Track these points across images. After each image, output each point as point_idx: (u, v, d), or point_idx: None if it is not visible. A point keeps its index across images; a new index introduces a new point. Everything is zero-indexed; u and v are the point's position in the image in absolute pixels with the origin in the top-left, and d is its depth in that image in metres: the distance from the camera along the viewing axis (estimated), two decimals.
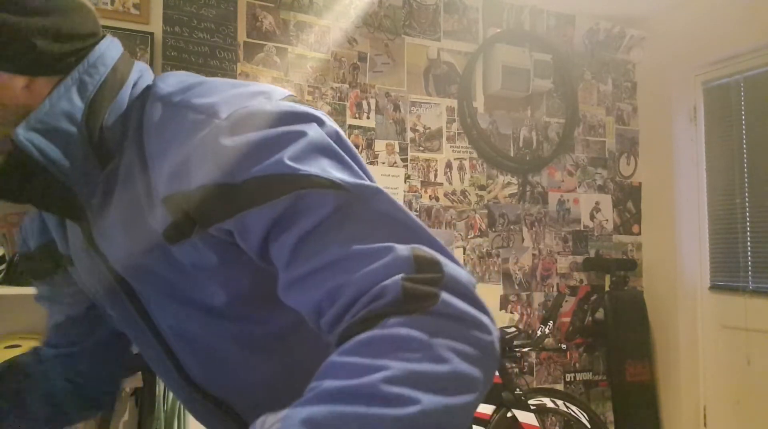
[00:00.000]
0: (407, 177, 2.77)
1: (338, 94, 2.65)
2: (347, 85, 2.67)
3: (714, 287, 2.97)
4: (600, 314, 3.11)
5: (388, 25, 2.78)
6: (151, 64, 2.30)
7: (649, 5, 3.06)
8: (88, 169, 0.61)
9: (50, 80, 0.59)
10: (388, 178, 2.72)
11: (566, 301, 3.07)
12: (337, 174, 0.53)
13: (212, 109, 0.56)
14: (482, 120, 2.94)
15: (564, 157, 3.14)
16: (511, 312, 2.95)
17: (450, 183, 2.87)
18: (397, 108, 2.77)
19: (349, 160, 0.56)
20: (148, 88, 0.64)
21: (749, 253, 2.81)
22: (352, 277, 0.49)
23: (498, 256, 2.93)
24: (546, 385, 2.93)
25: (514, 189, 3.01)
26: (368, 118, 2.71)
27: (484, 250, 2.91)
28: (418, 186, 2.79)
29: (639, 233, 3.29)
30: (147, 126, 0.60)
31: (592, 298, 3.13)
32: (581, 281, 3.13)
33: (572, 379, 3.05)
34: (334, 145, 0.56)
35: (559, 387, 2.99)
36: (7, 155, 0.58)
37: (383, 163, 2.72)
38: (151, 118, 0.60)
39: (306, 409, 0.41)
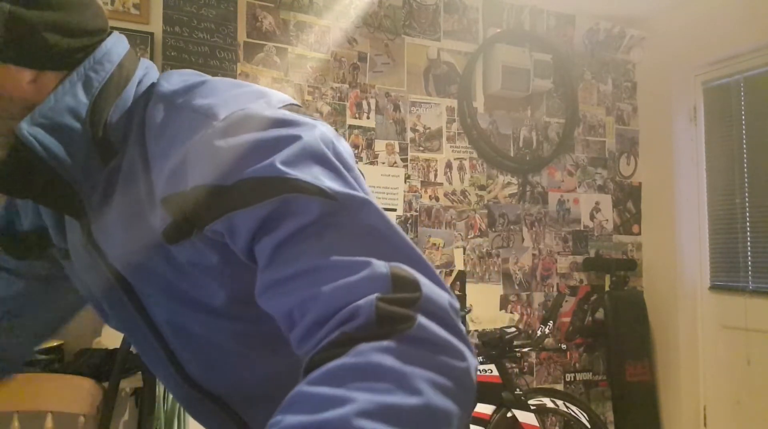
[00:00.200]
0: (407, 177, 2.77)
1: (338, 94, 2.65)
2: (347, 85, 2.67)
3: (714, 287, 2.97)
4: (600, 314, 3.11)
5: (388, 25, 2.78)
6: None
7: (649, 5, 3.06)
8: (90, 165, 0.61)
9: (57, 75, 0.59)
10: (388, 178, 2.72)
11: (566, 301, 3.08)
12: (327, 182, 0.53)
13: (211, 110, 0.56)
14: (482, 120, 2.94)
15: (564, 157, 3.14)
16: (511, 312, 2.95)
17: (450, 183, 2.87)
18: (397, 108, 2.77)
19: (343, 170, 0.56)
20: (152, 86, 0.64)
21: (749, 253, 2.81)
22: (325, 290, 0.48)
23: (498, 256, 2.93)
24: (546, 385, 2.93)
25: (514, 189, 3.01)
26: (368, 118, 2.71)
27: (484, 250, 2.91)
28: (418, 186, 2.79)
29: (639, 233, 3.29)
30: (149, 126, 0.60)
31: (592, 298, 3.13)
32: (581, 281, 3.13)
33: (572, 379, 3.05)
34: (328, 153, 0.56)
35: (559, 387, 2.99)
36: (9, 149, 0.58)
37: (383, 163, 2.72)
38: (154, 118, 0.60)
39: None
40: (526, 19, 3.07)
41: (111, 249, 0.65)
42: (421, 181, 2.80)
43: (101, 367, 1.87)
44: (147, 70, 0.66)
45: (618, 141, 3.28)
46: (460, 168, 2.89)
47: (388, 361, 0.43)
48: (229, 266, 0.60)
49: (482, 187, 2.93)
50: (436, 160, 2.84)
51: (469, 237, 2.88)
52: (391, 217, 2.67)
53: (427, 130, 2.83)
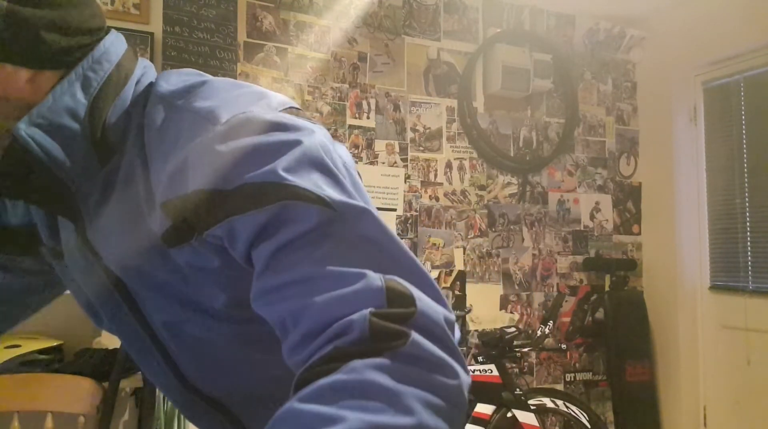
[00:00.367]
0: (407, 177, 2.77)
1: (338, 94, 2.65)
2: (347, 85, 2.67)
3: (714, 287, 2.97)
4: (600, 314, 3.11)
5: (388, 25, 2.78)
6: None
7: (649, 5, 3.06)
8: (88, 167, 0.60)
9: (54, 75, 0.58)
10: (388, 178, 2.72)
11: (566, 301, 3.07)
12: (327, 190, 0.52)
13: (211, 113, 0.55)
14: (482, 120, 2.94)
15: (564, 157, 3.14)
16: (511, 312, 2.95)
17: (450, 183, 2.87)
18: (397, 108, 2.77)
19: (341, 177, 0.56)
20: (151, 85, 0.63)
21: (749, 253, 2.81)
22: (318, 300, 0.48)
23: (498, 256, 2.93)
24: (546, 385, 2.93)
25: (514, 189, 3.01)
26: (368, 118, 2.71)
27: (484, 250, 2.91)
28: (418, 186, 2.79)
29: (639, 233, 3.28)
30: (148, 127, 0.60)
31: (592, 298, 3.13)
32: (581, 281, 3.13)
33: (572, 379, 3.05)
34: (328, 160, 0.55)
35: (559, 387, 2.99)
36: (5, 150, 0.57)
37: (383, 163, 2.72)
38: (153, 120, 0.59)
39: None
40: (526, 19, 3.07)
41: (107, 251, 0.64)
42: (421, 181, 2.80)
43: (101, 367, 1.87)
44: (145, 70, 0.66)
45: (618, 141, 3.28)
46: (460, 168, 2.89)
47: (381, 379, 0.43)
48: (229, 270, 0.59)
49: (482, 187, 2.93)
50: (436, 160, 2.84)
51: (469, 237, 2.88)
52: (391, 217, 2.69)
53: (427, 130, 2.83)
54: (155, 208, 0.58)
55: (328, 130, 2.68)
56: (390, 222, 2.70)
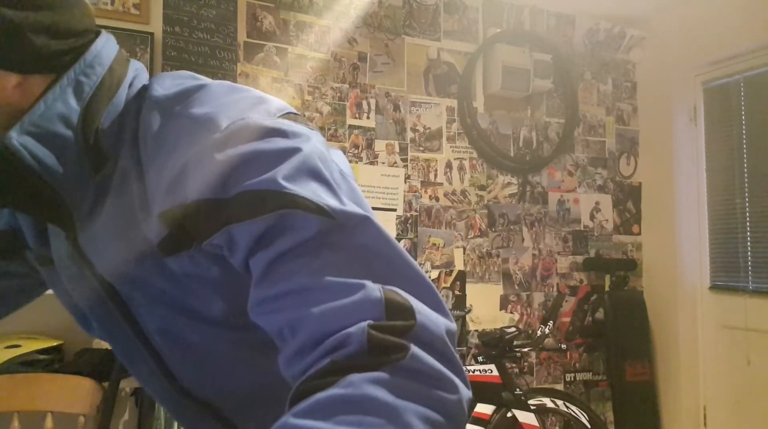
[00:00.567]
0: (407, 177, 2.77)
1: (338, 94, 2.65)
2: (347, 85, 2.67)
3: (714, 287, 2.97)
4: (600, 314, 3.11)
5: (388, 25, 2.78)
6: (151, 64, 2.30)
7: (649, 5, 3.06)
8: (80, 174, 0.59)
9: (43, 79, 0.56)
10: (388, 178, 2.72)
11: (566, 301, 3.08)
12: (326, 198, 0.52)
13: (210, 121, 0.54)
14: (482, 120, 2.94)
15: (564, 157, 3.14)
16: (511, 312, 2.95)
17: (450, 183, 2.87)
18: (397, 108, 2.77)
19: (339, 185, 0.55)
20: (145, 88, 0.62)
21: (749, 253, 2.81)
22: (315, 312, 0.47)
23: (498, 256, 2.93)
24: (546, 385, 2.93)
25: (514, 189, 3.01)
26: (368, 118, 2.71)
27: (484, 250, 2.91)
28: (418, 186, 2.79)
29: (639, 233, 3.28)
30: (144, 134, 0.58)
31: (592, 298, 3.13)
32: (581, 281, 3.13)
33: (572, 379, 3.05)
34: (325, 168, 0.55)
35: (559, 387, 2.99)
36: None
37: (383, 163, 2.72)
38: (149, 126, 0.58)
39: None
40: (526, 19, 3.07)
41: (100, 259, 0.63)
42: (421, 181, 2.80)
43: (101, 367, 1.87)
44: (137, 72, 0.64)
45: (618, 141, 3.28)
46: (460, 168, 2.89)
47: (380, 394, 0.42)
48: (229, 278, 0.59)
49: (482, 187, 2.93)
50: (436, 160, 2.84)
51: (469, 237, 2.88)
52: (391, 217, 2.69)
53: (427, 130, 2.83)
54: (151, 217, 0.57)
55: (328, 130, 2.70)
56: (390, 222, 2.70)
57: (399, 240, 2.72)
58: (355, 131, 2.68)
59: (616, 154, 3.27)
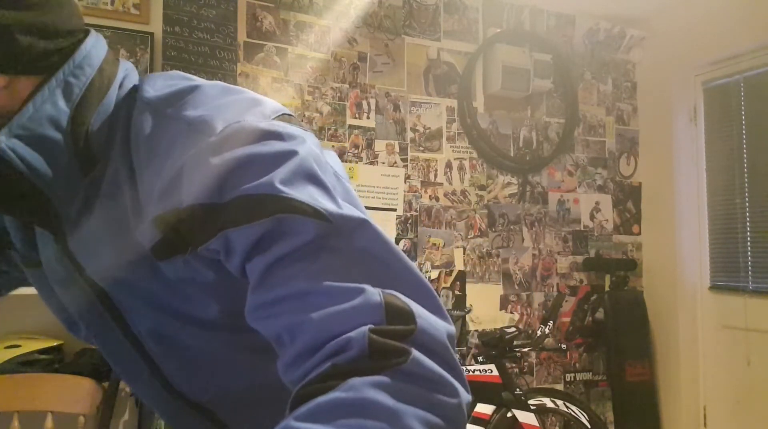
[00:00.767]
0: (407, 177, 2.77)
1: (338, 94, 2.65)
2: (347, 85, 2.67)
3: (714, 287, 2.97)
4: (600, 314, 3.11)
5: (388, 25, 2.78)
6: (151, 64, 2.30)
7: (649, 5, 3.06)
8: (70, 177, 0.57)
9: (31, 80, 0.54)
10: (388, 178, 2.72)
11: (566, 301, 3.07)
12: (323, 202, 0.51)
13: (205, 123, 0.53)
14: (482, 120, 2.94)
15: (564, 157, 3.14)
16: (511, 312, 2.95)
17: (450, 183, 2.87)
18: (397, 108, 2.77)
19: (336, 187, 0.55)
20: (135, 89, 0.61)
21: (749, 253, 2.81)
22: (315, 317, 0.47)
23: (498, 256, 2.93)
24: (546, 385, 2.93)
25: (514, 189, 3.01)
26: (368, 118, 2.71)
27: (484, 250, 2.91)
28: (418, 186, 2.79)
29: (639, 233, 3.29)
30: (135, 137, 0.57)
31: (592, 298, 3.13)
32: (581, 281, 3.13)
33: (572, 379, 3.05)
34: (321, 171, 0.54)
35: (559, 387, 2.99)
36: None
37: (383, 163, 2.72)
38: (141, 129, 0.57)
39: None
40: (526, 19, 3.07)
41: (90, 263, 0.62)
42: (421, 181, 2.80)
43: (101, 367, 1.87)
44: (127, 72, 0.63)
45: (618, 141, 3.28)
46: (460, 168, 2.89)
47: (381, 397, 0.42)
48: (224, 281, 0.58)
49: (482, 187, 2.93)
50: (436, 160, 2.84)
51: (469, 237, 2.88)
52: (391, 217, 2.69)
53: (427, 130, 2.83)
54: (144, 221, 0.56)
55: (328, 130, 2.70)
56: (390, 222, 2.70)
57: (399, 240, 2.72)
58: (355, 131, 2.68)
59: (616, 154, 3.27)
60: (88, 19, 2.22)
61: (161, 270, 0.58)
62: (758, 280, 2.76)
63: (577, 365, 3.08)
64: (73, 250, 0.62)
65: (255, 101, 0.57)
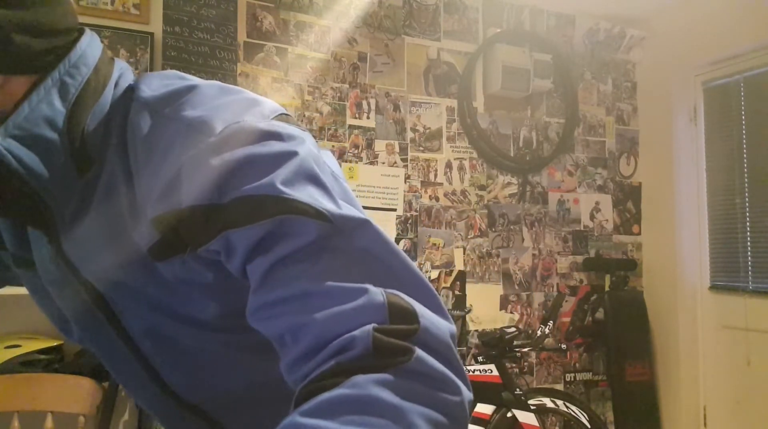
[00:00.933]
0: (407, 177, 2.77)
1: (338, 94, 2.65)
2: (347, 85, 2.67)
3: (714, 287, 2.97)
4: (600, 314, 3.11)
5: (388, 25, 2.78)
6: (151, 64, 2.31)
7: (649, 5, 3.06)
8: (66, 177, 0.57)
9: (26, 80, 0.54)
10: (388, 178, 2.72)
11: (566, 301, 3.07)
12: (323, 202, 0.51)
13: (204, 124, 0.53)
14: (482, 120, 2.94)
15: (564, 157, 3.14)
16: (511, 312, 2.95)
17: (450, 183, 2.87)
18: (397, 108, 2.77)
19: (334, 187, 0.55)
20: (131, 89, 0.60)
21: (749, 253, 2.81)
22: (318, 317, 0.47)
23: (498, 256, 2.93)
24: (546, 385, 2.93)
25: (514, 189, 3.01)
26: (368, 118, 2.71)
27: (484, 250, 2.91)
28: (418, 186, 2.79)
29: (639, 233, 3.29)
30: (133, 137, 0.57)
31: (592, 298, 3.13)
32: (581, 281, 3.13)
33: (572, 379, 3.05)
34: (321, 171, 0.55)
35: (559, 387, 2.99)
36: None
37: (383, 163, 2.72)
38: (139, 129, 0.56)
39: None
40: (526, 19, 3.07)
41: (85, 264, 0.61)
42: (421, 181, 2.80)
43: (101, 367, 1.85)
44: (122, 71, 0.62)
45: (618, 141, 3.28)
46: (460, 168, 2.89)
47: (385, 394, 0.42)
48: (223, 282, 0.58)
49: (482, 187, 2.93)
50: (436, 160, 2.84)
51: (469, 237, 2.88)
52: (391, 217, 2.69)
53: (427, 130, 2.83)
54: (141, 221, 0.56)
55: (328, 130, 2.70)
56: (390, 222, 2.70)
57: (399, 240, 2.72)
58: (355, 131, 2.68)
59: (616, 154, 3.27)
60: (88, 19, 2.23)
61: (158, 271, 0.58)
62: (758, 280, 2.76)
63: (577, 365, 3.08)
64: (67, 251, 0.61)
65: (253, 101, 0.57)
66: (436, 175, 2.84)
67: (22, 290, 0.78)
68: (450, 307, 2.79)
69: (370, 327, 0.45)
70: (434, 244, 2.80)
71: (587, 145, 3.20)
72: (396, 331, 0.46)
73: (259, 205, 0.50)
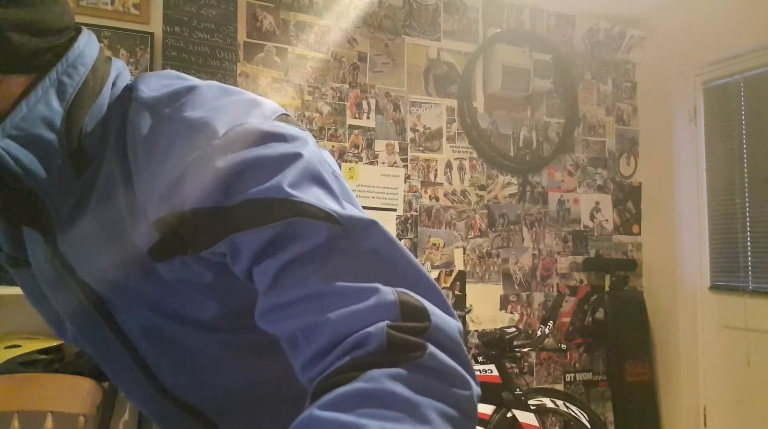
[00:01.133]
0: (407, 177, 2.77)
1: (338, 94, 2.65)
2: (347, 85, 2.67)
3: (714, 287, 2.97)
4: (600, 314, 3.11)
5: (388, 25, 2.78)
6: (151, 64, 2.30)
7: (649, 5, 3.06)
8: (63, 178, 0.56)
9: (23, 79, 0.53)
10: (388, 178, 2.72)
11: (566, 301, 3.07)
12: (329, 203, 0.52)
13: (206, 125, 0.53)
14: (482, 120, 2.94)
15: (564, 157, 3.14)
16: (511, 312, 2.95)
17: (450, 183, 2.87)
18: (397, 108, 2.77)
19: (336, 187, 0.55)
20: (129, 89, 0.60)
21: (749, 253, 2.81)
22: (332, 317, 0.48)
23: (498, 256, 2.93)
24: (546, 385, 2.93)
25: (514, 189, 3.01)
26: (368, 118, 2.71)
27: (484, 250, 2.91)
28: (418, 186, 2.79)
29: (639, 233, 3.29)
30: (132, 137, 0.56)
31: (592, 298, 3.13)
32: (581, 281, 3.13)
33: (572, 379, 3.05)
34: (324, 172, 0.55)
35: (559, 387, 2.99)
36: None
37: (383, 163, 2.72)
38: (139, 129, 0.56)
39: None
40: (526, 19, 3.07)
41: (82, 264, 0.61)
42: (421, 181, 2.80)
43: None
44: (119, 71, 0.62)
45: (618, 141, 3.28)
46: (460, 168, 2.89)
47: (400, 389, 0.43)
48: (223, 282, 0.58)
49: (482, 187, 2.93)
50: (436, 160, 2.84)
51: (469, 237, 2.88)
52: (391, 217, 2.69)
53: (427, 130, 2.83)
54: (140, 222, 0.55)
55: (328, 130, 2.70)
56: (390, 222, 2.70)
57: (399, 240, 2.72)
58: (355, 131, 2.68)
59: (616, 154, 3.27)
60: (88, 19, 2.23)
61: (157, 271, 0.58)
62: (758, 280, 2.77)
63: (577, 365, 3.08)
64: (63, 251, 0.61)
65: (254, 102, 0.57)
66: (436, 175, 2.84)
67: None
68: None
69: (384, 324, 0.46)
70: (434, 244, 2.80)
71: (587, 145, 3.20)
72: (409, 328, 0.47)
73: (267, 208, 0.50)
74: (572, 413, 2.52)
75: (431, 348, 0.46)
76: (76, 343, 0.72)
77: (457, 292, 2.83)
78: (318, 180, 0.54)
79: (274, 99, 0.61)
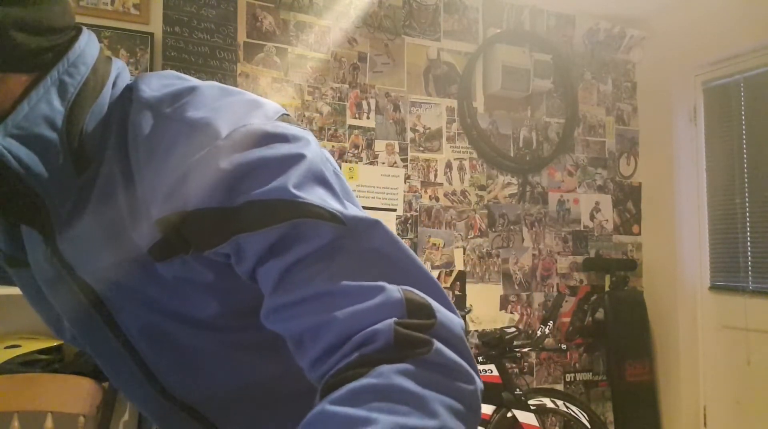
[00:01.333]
0: (407, 177, 2.77)
1: (338, 94, 2.65)
2: (347, 85, 2.67)
3: (714, 287, 2.97)
4: (600, 314, 3.11)
5: (388, 25, 2.78)
6: (151, 65, 2.31)
7: (649, 5, 3.06)
8: (64, 177, 0.57)
9: (23, 78, 0.53)
10: (388, 178, 2.72)
11: (566, 301, 3.08)
12: (333, 204, 0.52)
13: (209, 126, 0.53)
14: (482, 120, 2.94)
15: (564, 157, 3.14)
16: (511, 312, 2.95)
17: (450, 183, 2.87)
18: (397, 108, 2.77)
19: (338, 187, 0.56)
20: (129, 89, 0.60)
21: (749, 253, 2.81)
22: (339, 316, 0.48)
23: (498, 256, 2.93)
24: (546, 385, 2.93)
25: (514, 189, 3.01)
26: (368, 118, 2.71)
27: (484, 250, 2.91)
28: (418, 186, 2.79)
29: (639, 233, 3.29)
30: (134, 137, 0.56)
31: (592, 298, 3.13)
32: (581, 281, 3.13)
33: (572, 379, 3.05)
34: (327, 172, 0.55)
35: (559, 387, 2.99)
36: None
37: (383, 163, 2.72)
38: (140, 129, 0.56)
39: None
40: (526, 19, 3.07)
41: (81, 263, 0.61)
42: (421, 181, 2.80)
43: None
44: (119, 71, 0.62)
45: (618, 141, 3.28)
46: (460, 168, 2.89)
47: (408, 384, 0.44)
48: (224, 282, 0.58)
49: (482, 187, 2.93)
50: (436, 160, 2.84)
51: (469, 237, 2.88)
52: (391, 217, 2.69)
53: (427, 130, 2.83)
54: (141, 221, 0.55)
55: (328, 130, 2.70)
56: (390, 222, 2.70)
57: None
58: (355, 131, 2.68)
59: (616, 154, 3.27)
60: (88, 20, 2.23)
61: (157, 270, 0.58)
62: (758, 280, 2.77)
63: (577, 365, 3.08)
64: (63, 251, 0.61)
65: (255, 103, 0.57)
66: (436, 176, 2.84)
67: None
68: None
69: (391, 321, 0.47)
70: (434, 245, 2.80)
71: (587, 145, 3.20)
72: (415, 324, 0.48)
73: (273, 209, 0.51)
74: (572, 413, 2.52)
75: (437, 344, 0.47)
76: (75, 343, 0.73)
77: (457, 292, 2.83)
78: (321, 180, 0.54)
79: (274, 99, 0.61)
